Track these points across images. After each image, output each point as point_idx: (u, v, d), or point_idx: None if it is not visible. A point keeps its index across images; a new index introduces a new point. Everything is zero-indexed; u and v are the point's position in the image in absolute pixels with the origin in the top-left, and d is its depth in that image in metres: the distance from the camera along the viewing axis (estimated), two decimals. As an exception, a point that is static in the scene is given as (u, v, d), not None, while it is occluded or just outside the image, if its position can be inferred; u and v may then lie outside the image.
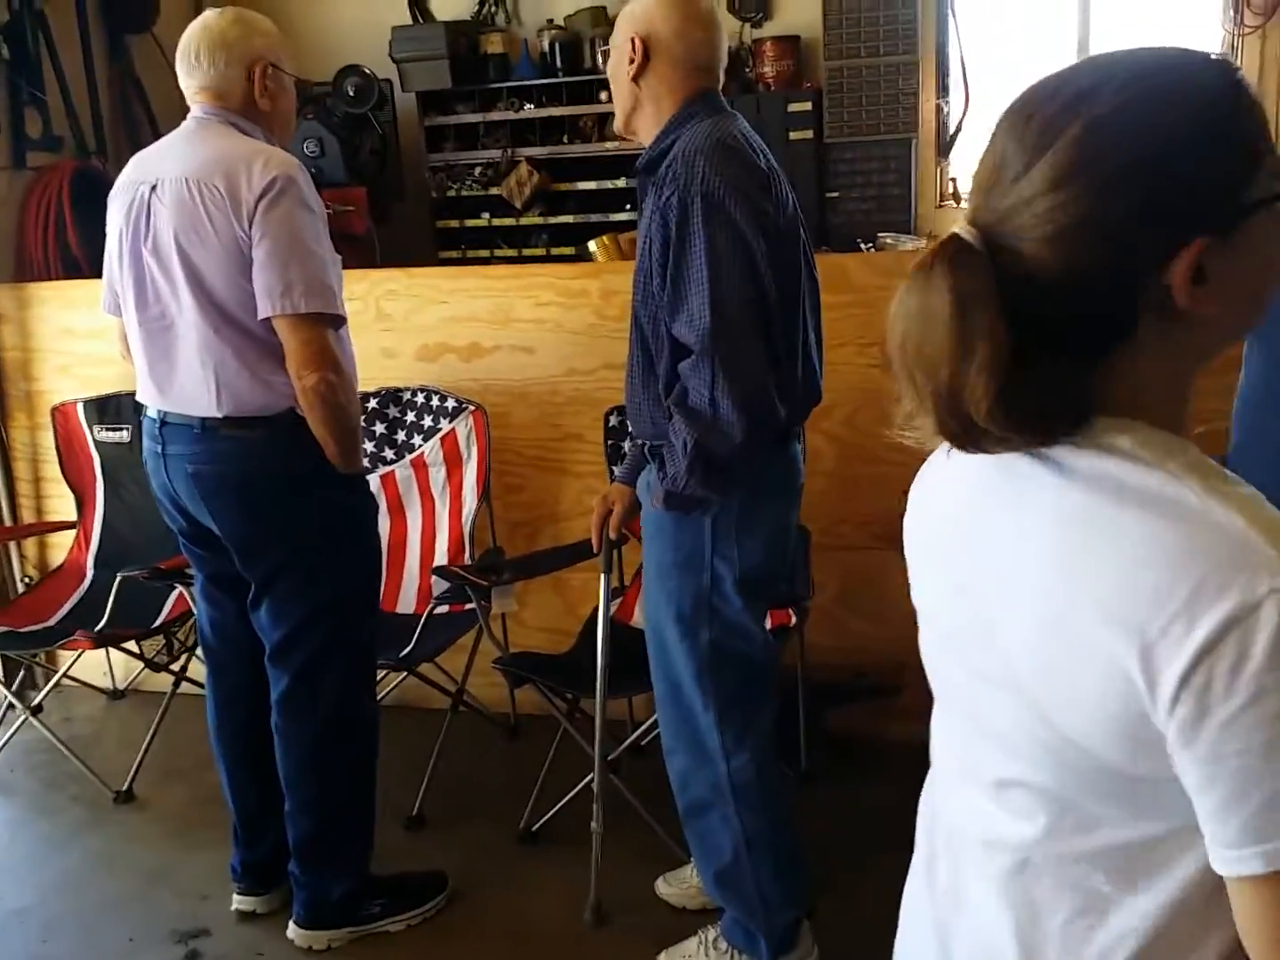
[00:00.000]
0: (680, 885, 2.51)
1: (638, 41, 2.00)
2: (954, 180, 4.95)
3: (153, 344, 2.24)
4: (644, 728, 2.66)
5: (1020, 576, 0.82)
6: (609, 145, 4.89)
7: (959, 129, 4.84)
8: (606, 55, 2.10)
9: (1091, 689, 0.76)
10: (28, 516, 3.71)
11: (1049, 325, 0.79)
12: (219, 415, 2.18)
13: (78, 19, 4.19)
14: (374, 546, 2.49)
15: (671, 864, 2.57)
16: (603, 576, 2.39)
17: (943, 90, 4.78)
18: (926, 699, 1.00)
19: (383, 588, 3.22)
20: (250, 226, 2.08)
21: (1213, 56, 0.82)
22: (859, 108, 4.63)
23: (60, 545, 3.59)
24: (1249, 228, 0.78)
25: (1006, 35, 4.82)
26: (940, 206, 4.87)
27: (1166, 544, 0.74)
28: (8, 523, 3.67)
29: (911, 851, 1.06)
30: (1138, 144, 0.77)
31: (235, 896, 2.56)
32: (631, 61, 2.00)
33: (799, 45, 4.77)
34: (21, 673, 3.54)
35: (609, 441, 3.00)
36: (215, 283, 2.12)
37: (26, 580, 3.68)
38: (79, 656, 3.33)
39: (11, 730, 3.24)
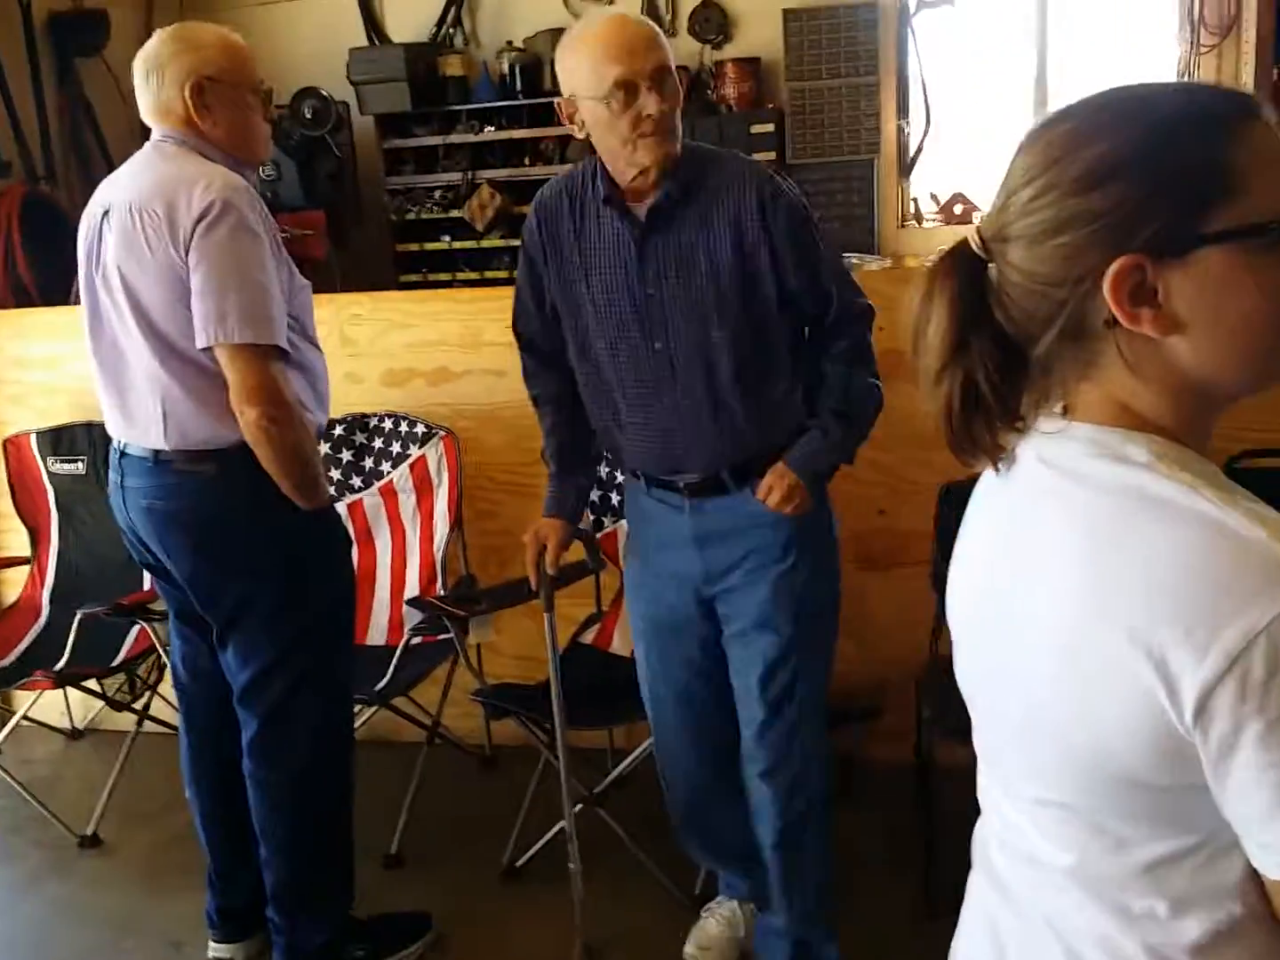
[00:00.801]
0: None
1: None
2: (915, 200, 4.99)
3: (108, 373, 2.18)
4: (631, 758, 2.61)
5: (1045, 586, 0.83)
6: (571, 167, 4.86)
7: (920, 149, 4.88)
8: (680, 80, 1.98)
9: (1114, 697, 0.77)
10: (-21, 552, 3.60)
11: (1028, 327, 0.83)
12: (168, 448, 2.12)
13: (26, 43, 4.10)
14: (344, 579, 2.39)
15: (659, 896, 2.52)
16: (546, 616, 2.31)
17: (903, 111, 4.81)
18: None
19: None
20: (187, 253, 2.00)
21: (1234, 90, 0.82)
22: (821, 129, 4.64)
23: (13, 582, 3.48)
24: (1208, 257, 0.77)
25: (966, 56, 4.87)
26: (903, 226, 4.89)
27: (1187, 552, 0.75)
28: (-41, 559, 3.55)
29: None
30: (1104, 148, 0.78)
31: (211, 944, 2.46)
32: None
33: (760, 67, 4.78)
34: (-24, 715, 3.41)
35: (583, 465, 2.95)
36: (157, 312, 2.06)
37: (-20, 618, 3.56)
38: (38, 697, 3.21)
39: (-32, 775, 3.12)
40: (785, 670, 2.10)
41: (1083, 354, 0.83)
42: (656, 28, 1.92)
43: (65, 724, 3.55)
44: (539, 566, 2.21)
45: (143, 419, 2.13)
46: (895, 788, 2.71)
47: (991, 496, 0.95)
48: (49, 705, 3.44)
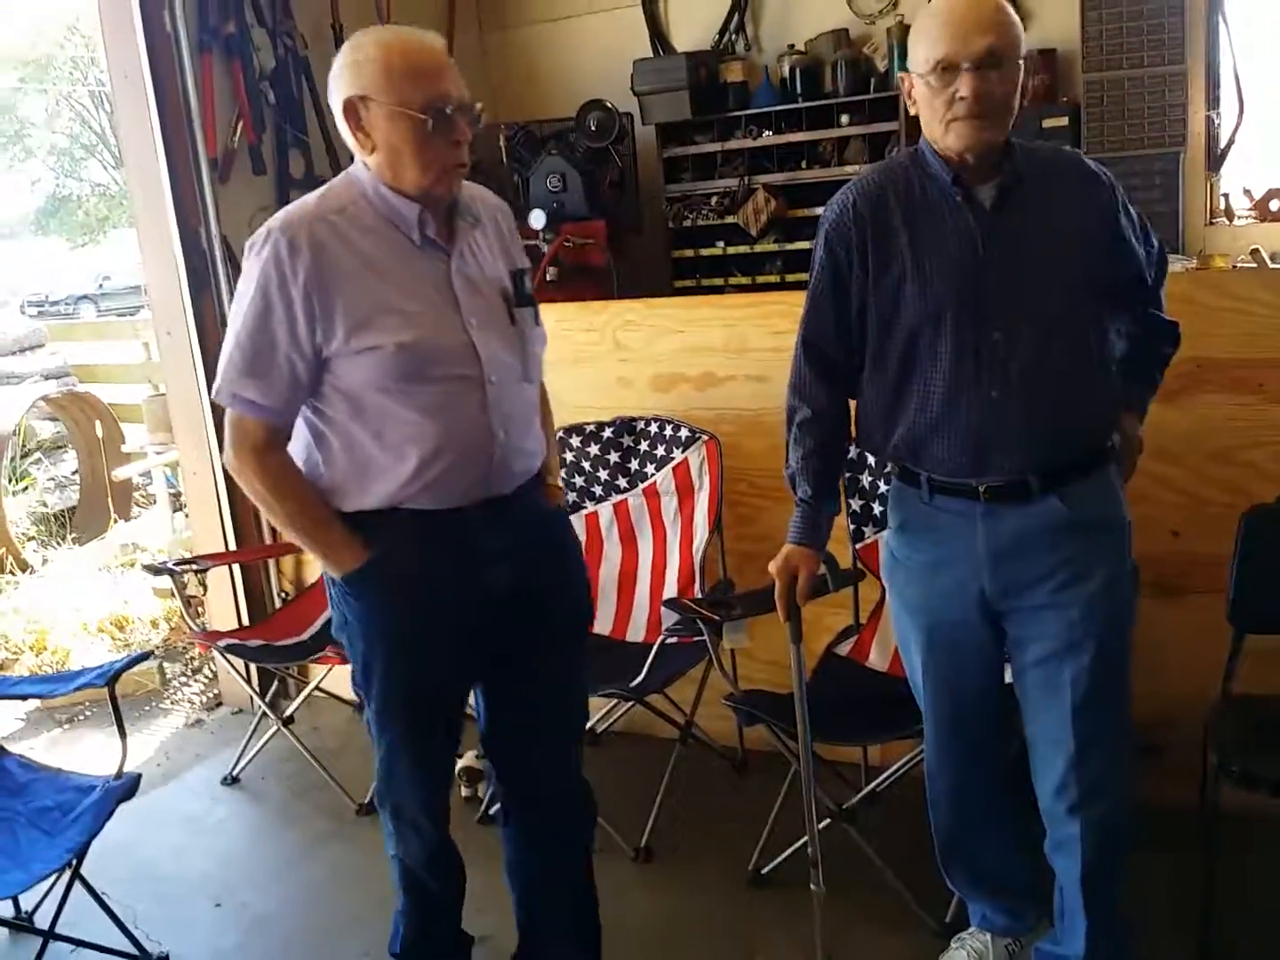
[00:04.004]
0: None
1: None
2: (1225, 196, 4.59)
3: None
4: (884, 775, 2.53)
5: None
6: (848, 169, 4.78)
7: (1231, 142, 4.50)
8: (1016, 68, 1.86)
9: None
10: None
11: None
12: None
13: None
14: (380, 660, 2.06)
15: (906, 919, 2.43)
16: (792, 648, 2.15)
17: (1213, 101, 4.45)
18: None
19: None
20: None
21: None
22: (1120, 121, 4.36)
23: (315, 563, 3.76)
24: None
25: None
26: (1211, 224, 4.52)
27: None
28: (267, 541, 3.89)
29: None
30: None
31: None
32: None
33: (1055, 58, 4.53)
34: (275, 684, 3.72)
35: (847, 474, 2.89)
36: None
37: (283, 596, 3.89)
38: (330, 670, 3.47)
39: (265, 739, 3.41)
40: (1100, 697, 1.95)
41: None
42: (1004, 6, 1.84)
43: (353, 697, 3.80)
44: (788, 598, 2.08)
45: None
46: (1174, 833, 2.48)
47: None
48: (340, 678, 3.69)
